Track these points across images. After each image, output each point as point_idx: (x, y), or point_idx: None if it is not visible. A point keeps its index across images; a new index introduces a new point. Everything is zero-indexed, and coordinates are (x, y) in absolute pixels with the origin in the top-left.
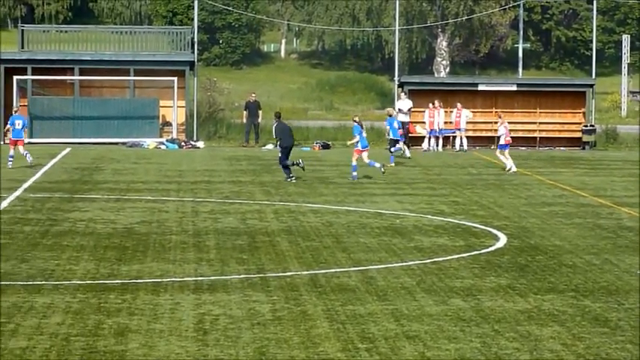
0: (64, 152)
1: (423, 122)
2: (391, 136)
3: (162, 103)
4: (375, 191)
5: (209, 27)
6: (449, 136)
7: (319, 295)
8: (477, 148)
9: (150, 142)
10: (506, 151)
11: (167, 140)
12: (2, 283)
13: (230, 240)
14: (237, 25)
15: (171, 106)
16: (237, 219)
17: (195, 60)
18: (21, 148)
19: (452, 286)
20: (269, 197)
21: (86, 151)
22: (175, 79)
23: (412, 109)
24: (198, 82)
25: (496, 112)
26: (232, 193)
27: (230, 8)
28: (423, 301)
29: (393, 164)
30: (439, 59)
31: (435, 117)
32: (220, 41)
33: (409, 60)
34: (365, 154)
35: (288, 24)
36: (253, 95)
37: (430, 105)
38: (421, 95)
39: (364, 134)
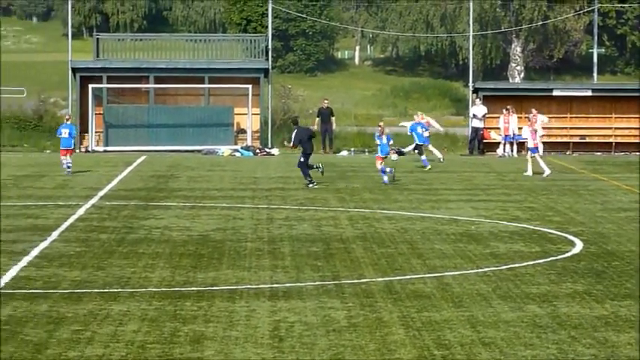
0: (139, 160)
1: (498, 128)
2: (417, 142)
3: (236, 110)
4: (449, 197)
5: (283, 34)
6: (524, 142)
7: (394, 301)
8: (552, 153)
9: (225, 150)
10: (536, 155)
11: (242, 147)
12: (79, 290)
13: (305, 247)
14: (311, 33)
15: (246, 114)
16: (312, 226)
17: (270, 67)
18: (66, 158)
19: (528, 293)
20: (343, 204)
21: (161, 158)
22: (250, 86)
23: (487, 115)
24: (272, 90)
25: (526, 116)
26: (307, 200)
27: (304, 15)
28: (499, 307)
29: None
30: (513, 65)
31: (510, 122)
32: (294, 48)
33: (483, 66)
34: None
35: (362, 31)
36: (326, 102)
37: (504, 110)
38: (496, 101)
39: (385, 141)
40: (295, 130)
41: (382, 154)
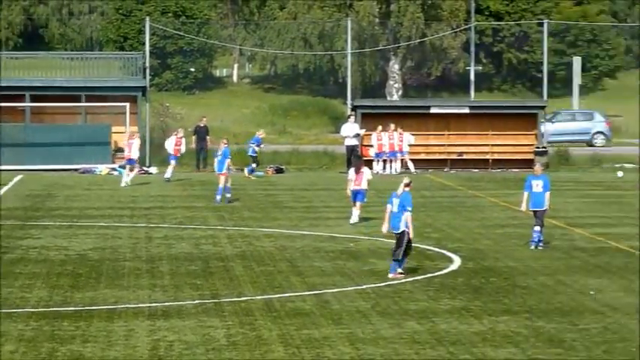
0: (15, 179)
1: (372, 146)
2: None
3: (114, 129)
4: (329, 215)
5: (160, 52)
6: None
7: (274, 319)
8: (430, 170)
9: (102, 168)
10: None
11: (119, 166)
12: None
13: (184, 265)
14: (188, 50)
15: (124, 132)
16: (191, 244)
17: (147, 85)
18: None
19: (407, 309)
20: (222, 222)
21: (38, 177)
22: (127, 104)
23: (364, 133)
24: (150, 108)
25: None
26: (186, 219)
27: (181, 33)
28: (378, 324)
29: None
30: (392, 82)
31: (387, 140)
32: (172, 66)
33: (362, 83)
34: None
35: (240, 48)
36: (204, 119)
37: (379, 128)
38: (374, 119)
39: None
40: None
41: (219, 171)
